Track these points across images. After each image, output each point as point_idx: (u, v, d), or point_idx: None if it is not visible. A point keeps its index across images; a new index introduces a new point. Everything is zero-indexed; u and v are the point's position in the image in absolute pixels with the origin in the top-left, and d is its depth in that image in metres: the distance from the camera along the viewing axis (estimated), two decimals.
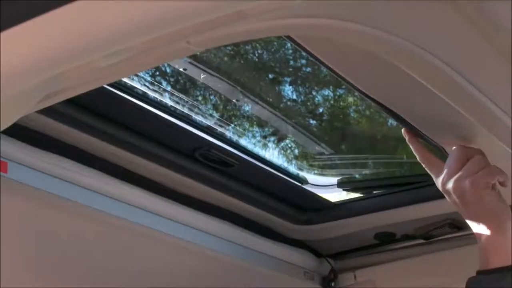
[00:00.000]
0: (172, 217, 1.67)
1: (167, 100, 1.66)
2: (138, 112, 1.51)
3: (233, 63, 1.81)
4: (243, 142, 1.88)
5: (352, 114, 2.06)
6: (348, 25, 0.81)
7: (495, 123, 1.07)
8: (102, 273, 1.60)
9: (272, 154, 1.96)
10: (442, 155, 1.31)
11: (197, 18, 0.67)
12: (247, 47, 1.77)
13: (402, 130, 1.30)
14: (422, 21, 0.86)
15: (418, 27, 0.87)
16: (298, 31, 0.95)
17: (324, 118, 2.05)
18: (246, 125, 1.93)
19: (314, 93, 1.96)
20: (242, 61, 1.84)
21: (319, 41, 1.04)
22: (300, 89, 1.94)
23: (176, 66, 1.69)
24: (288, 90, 1.94)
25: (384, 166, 2.16)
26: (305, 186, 2.02)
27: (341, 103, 2.01)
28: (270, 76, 1.91)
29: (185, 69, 1.69)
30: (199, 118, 1.73)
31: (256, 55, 1.85)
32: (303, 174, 2.05)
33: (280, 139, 2.01)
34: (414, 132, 1.28)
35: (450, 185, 1.22)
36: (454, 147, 1.25)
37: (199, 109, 1.75)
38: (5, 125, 0.87)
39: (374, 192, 2.02)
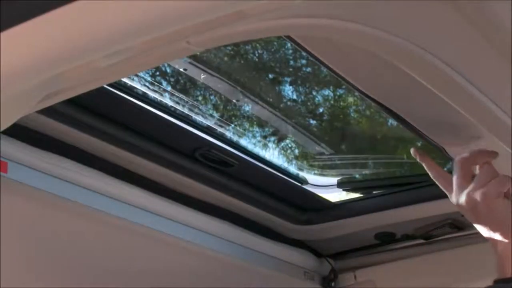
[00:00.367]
0: (172, 217, 1.67)
1: (167, 100, 1.66)
2: (138, 112, 1.51)
3: (233, 63, 1.81)
4: (243, 142, 1.88)
5: (352, 114, 2.06)
6: (348, 25, 0.81)
7: (495, 123, 1.07)
8: (102, 273, 1.61)
9: (272, 154, 1.96)
10: (443, 156, 1.31)
11: (197, 18, 0.67)
12: (247, 47, 1.77)
13: (411, 150, 1.28)
14: (422, 21, 0.86)
15: (418, 27, 0.87)
16: (298, 31, 0.95)
17: (324, 118, 2.05)
18: (246, 125, 1.93)
19: (314, 93, 1.96)
20: (242, 61, 1.84)
21: (319, 41, 1.04)
22: (300, 89, 1.94)
23: (176, 66, 1.69)
24: (288, 90, 1.94)
25: (384, 166, 2.16)
26: (305, 186, 2.02)
27: (341, 103, 2.01)
28: (270, 76, 1.90)
29: (185, 69, 1.69)
30: (199, 118, 1.73)
31: (256, 55, 1.85)
32: (303, 174, 2.04)
33: (280, 139, 2.01)
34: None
35: (462, 199, 1.20)
36: (456, 158, 1.24)
37: (199, 109, 1.75)
38: (5, 125, 0.87)
39: (374, 192, 2.02)
